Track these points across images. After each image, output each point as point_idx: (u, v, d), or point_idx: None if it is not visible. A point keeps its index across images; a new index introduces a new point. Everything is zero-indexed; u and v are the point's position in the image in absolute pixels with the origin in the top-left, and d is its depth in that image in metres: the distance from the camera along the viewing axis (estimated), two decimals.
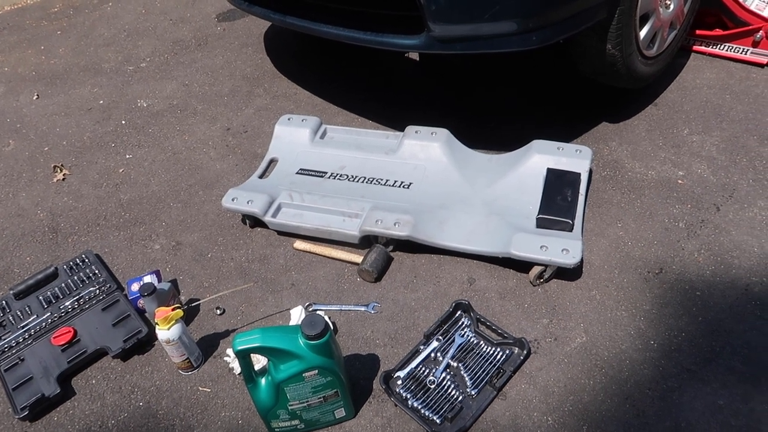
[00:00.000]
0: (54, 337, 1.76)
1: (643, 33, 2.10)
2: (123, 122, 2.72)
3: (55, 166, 2.50)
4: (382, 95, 2.65)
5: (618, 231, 1.92)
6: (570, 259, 1.68)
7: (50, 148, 2.64)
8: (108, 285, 1.91)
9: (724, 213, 1.92)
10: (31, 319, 1.84)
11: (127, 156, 2.52)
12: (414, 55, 2.86)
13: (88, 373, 1.73)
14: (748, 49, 2.47)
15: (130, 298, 1.85)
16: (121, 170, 2.45)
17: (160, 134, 2.62)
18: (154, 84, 2.96)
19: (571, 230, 1.79)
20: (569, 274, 1.78)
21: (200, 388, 1.66)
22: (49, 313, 1.85)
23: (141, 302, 1.78)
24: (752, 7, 2.40)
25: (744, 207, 1.93)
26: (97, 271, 1.95)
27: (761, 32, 2.37)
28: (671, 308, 1.69)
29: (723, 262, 1.78)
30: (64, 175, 2.46)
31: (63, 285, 1.92)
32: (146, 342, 1.77)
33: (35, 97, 2.99)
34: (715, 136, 2.20)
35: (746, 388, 1.49)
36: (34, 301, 1.90)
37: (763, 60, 2.44)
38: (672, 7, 2.19)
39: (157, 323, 1.58)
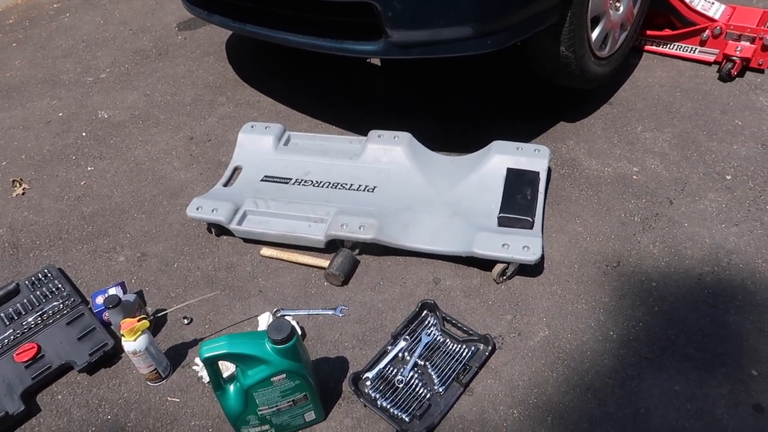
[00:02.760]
0: (17, 354, 1.73)
1: (594, 34, 2.17)
2: (83, 134, 2.69)
3: (14, 181, 2.45)
4: (345, 101, 2.68)
5: (577, 227, 1.97)
6: (531, 256, 1.73)
7: (8, 162, 2.59)
8: (72, 299, 1.88)
9: (677, 206, 2.00)
10: None
11: (89, 168, 2.49)
12: (375, 60, 2.89)
13: (54, 389, 1.71)
14: (696, 48, 2.56)
15: (95, 311, 1.83)
16: (82, 183, 2.42)
17: (122, 145, 2.59)
18: (115, 95, 2.93)
19: (531, 227, 1.84)
20: (531, 270, 1.83)
21: (169, 399, 1.65)
22: (11, 330, 1.82)
23: (106, 315, 1.77)
24: (698, 8, 2.50)
25: (695, 200, 2.01)
26: (60, 286, 1.93)
27: (708, 32, 2.47)
28: (629, 300, 1.75)
29: (677, 254, 1.85)
30: (23, 189, 2.42)
31: (25, 301, 1.89)
32: (113, 355, 1.75)
33: None
34: (667, 132, 2.28)
35: (701, 373, 1.56)
36: None
37: (711, 58, 2.54)
38: (622, 8, 2.27)
39: (122, 335, 1.57)
